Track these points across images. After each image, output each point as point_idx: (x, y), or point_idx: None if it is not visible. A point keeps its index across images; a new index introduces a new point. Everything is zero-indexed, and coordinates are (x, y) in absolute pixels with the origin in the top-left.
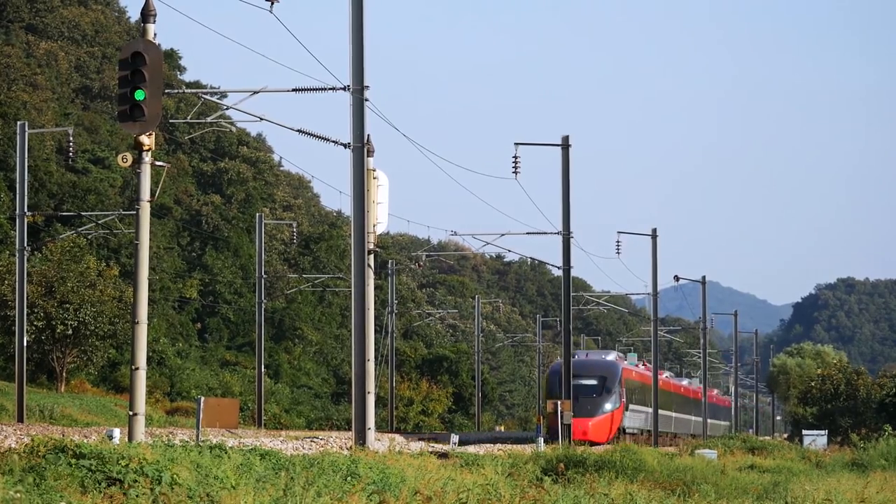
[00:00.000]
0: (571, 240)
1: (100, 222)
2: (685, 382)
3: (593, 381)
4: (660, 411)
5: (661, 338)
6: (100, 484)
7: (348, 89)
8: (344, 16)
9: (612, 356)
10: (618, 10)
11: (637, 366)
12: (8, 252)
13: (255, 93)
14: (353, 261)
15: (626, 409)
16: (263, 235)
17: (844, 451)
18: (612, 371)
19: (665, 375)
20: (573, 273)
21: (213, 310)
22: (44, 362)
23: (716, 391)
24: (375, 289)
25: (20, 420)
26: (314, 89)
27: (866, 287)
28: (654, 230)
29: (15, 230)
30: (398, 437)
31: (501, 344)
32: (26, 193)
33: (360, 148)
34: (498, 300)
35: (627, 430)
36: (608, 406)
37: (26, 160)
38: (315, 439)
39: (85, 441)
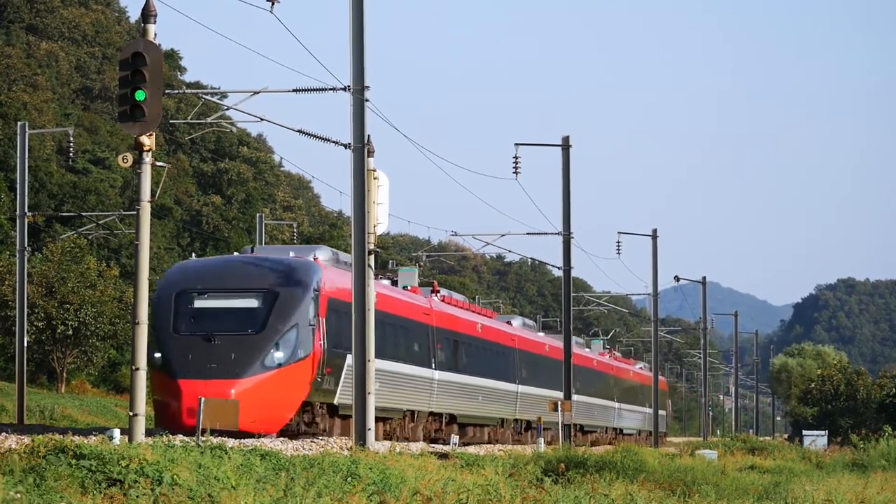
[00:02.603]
0: (572, 240)
1: (100, 223)
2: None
3: (250, 302)
4: (480, 380)
5: (661, 338)
6: (100, 484)
7: (349, 90)
8: (344, 16)
9: (311, 254)
10: (618, 10)
11: (408, 290)
12: (8, 252)
13: (256, 93)
14: (353, 261)
15: (327, 362)
16: (264, 236)
17: (845, 452)
18: (295, 281)
19: (516, 323)
20: (573, 273)
21: None
22: (44, 363)
23: (640, 364)
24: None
25: (20, 421)
26: (314, 90)
27: (867, 287)
28: (655, 230)
29: (15, 230)
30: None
31: None
32: (26, 194)
33: (361, 148)
34: (498, 300)
35: (341, 410)
36: (279, 355)
37: (27, 160)
38: (315, 439)
39: (85, 442)
